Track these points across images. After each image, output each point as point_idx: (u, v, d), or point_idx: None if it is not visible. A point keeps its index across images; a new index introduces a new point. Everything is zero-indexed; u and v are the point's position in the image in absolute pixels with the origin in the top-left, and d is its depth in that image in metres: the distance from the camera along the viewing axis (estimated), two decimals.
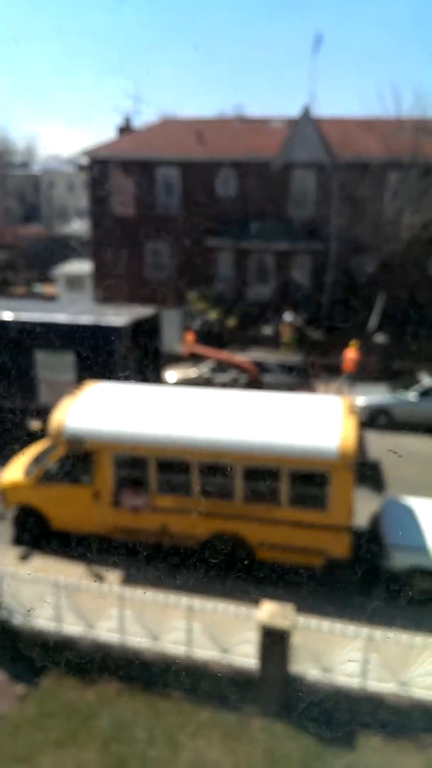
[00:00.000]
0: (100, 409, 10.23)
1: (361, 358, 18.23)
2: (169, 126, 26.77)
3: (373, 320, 20.26)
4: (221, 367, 17.04)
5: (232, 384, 16.56)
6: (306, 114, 22.26)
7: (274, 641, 7.38)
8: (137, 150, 24.46)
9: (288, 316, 21.12)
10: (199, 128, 24.70)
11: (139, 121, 27.91)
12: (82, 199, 46.98)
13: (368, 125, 21.71)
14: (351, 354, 18.22)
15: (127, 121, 27.27)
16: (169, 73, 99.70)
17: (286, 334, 20.69)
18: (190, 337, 19.97)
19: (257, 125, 25.49)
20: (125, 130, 27.08)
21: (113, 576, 9.45)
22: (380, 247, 20.95)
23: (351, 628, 7.34)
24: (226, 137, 24.60)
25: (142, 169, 23.93)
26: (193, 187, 23.67)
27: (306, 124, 22.28)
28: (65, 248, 38.29)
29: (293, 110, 23.25)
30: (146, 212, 24.29)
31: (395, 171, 20.86)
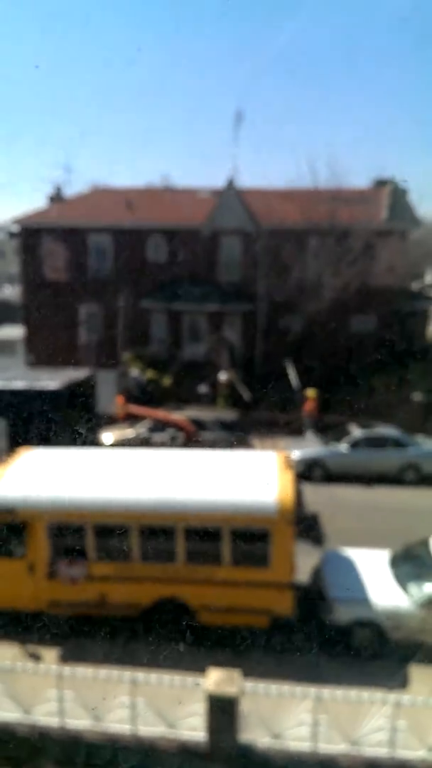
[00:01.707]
0: (33, 477, 9.94)
1: (319, 404, 19.26)
2: (99, 195, 27.51)
3: (299, 376, 21.02)
4: (158, 426, 17.02)
5: (170, 443, 16.53)
6: (230, 185, 23.62)
7: (222, 710, 7.14)
8: (69, 217, 24.90)
9: (222, 375, 21.56)
10: (128, 197, 25.52)
11: (70, 191, 28.45)
12: (12, 265, 46.69)
13: (288, 195, 23.23)
14: (311, 400, 19.28)
15: (58, 190, 27.78)
16: (98, 145, 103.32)
17: (221, 392, 21.06)
18: (121, 398, 19.87)
19: (185, 195, 26.64)
20: (56, 199, 27.56)
21: (51, 654, 8.93)
22: (305, 307, 22.04)
23: (299, 689, 7.24)
24: (156, 206, 25.53)
25: (74, 236, 24.35)
26: (125, 253, 24.23)
27: (231, 194, 23.61)
28: None
29: (218, 181, 24.43)
30: (78, 277, 24.53)
31: (315, 237, 22.29)
